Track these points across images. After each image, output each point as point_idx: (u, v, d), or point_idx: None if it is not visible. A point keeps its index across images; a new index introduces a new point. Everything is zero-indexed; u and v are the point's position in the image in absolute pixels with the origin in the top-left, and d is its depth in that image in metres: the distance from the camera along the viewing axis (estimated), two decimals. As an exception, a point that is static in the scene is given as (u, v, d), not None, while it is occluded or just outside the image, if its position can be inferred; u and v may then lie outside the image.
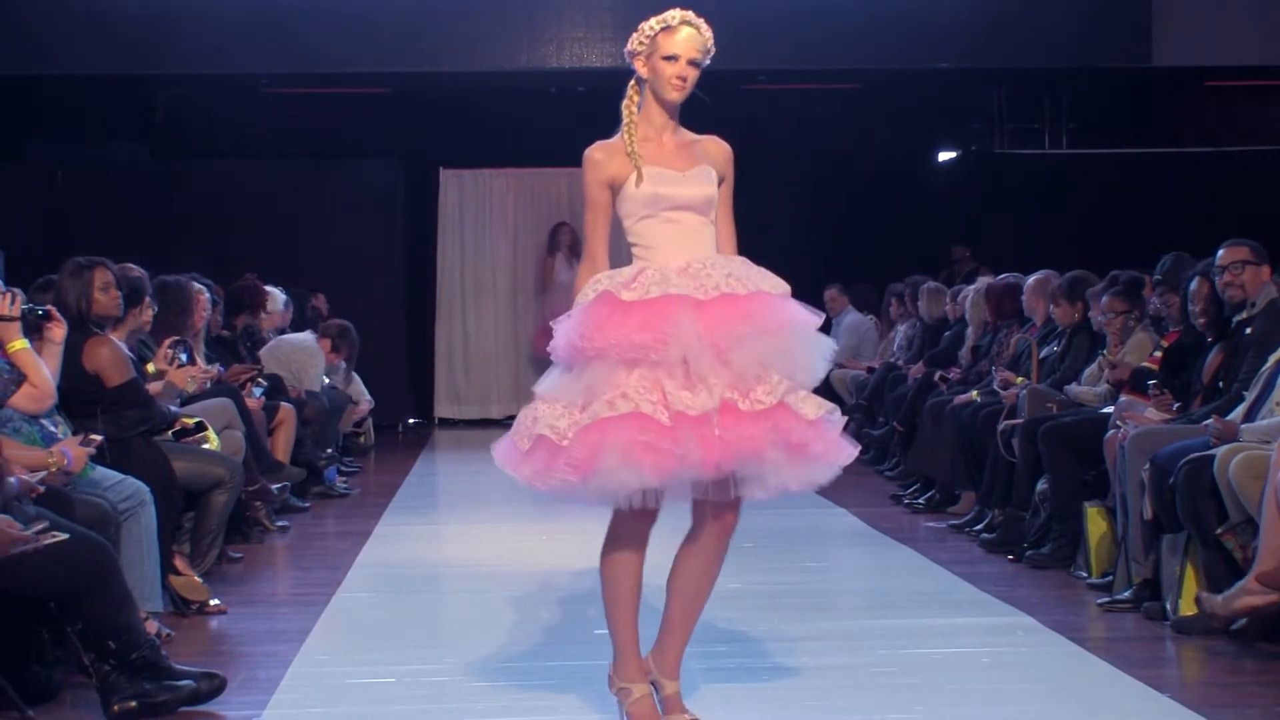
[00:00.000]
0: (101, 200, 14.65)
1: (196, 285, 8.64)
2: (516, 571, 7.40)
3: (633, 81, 4.59)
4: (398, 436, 14.62)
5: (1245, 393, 6.37)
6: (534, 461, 4.33)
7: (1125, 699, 5.07)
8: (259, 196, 14.90)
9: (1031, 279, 9.25)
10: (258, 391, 8.98)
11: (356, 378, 12.18)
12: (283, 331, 11.28)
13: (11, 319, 5.66)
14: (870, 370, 12.33)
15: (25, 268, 10.03)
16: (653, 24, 4.52)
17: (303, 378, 10.63)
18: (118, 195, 14.78)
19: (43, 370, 5.71)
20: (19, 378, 5.62)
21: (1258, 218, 12.32)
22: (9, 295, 5.69)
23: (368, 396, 12.39)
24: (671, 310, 4.30)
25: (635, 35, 4.55)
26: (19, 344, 5.67)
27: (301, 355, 10.81)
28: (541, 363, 4.33)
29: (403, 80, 14.46)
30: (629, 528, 4.45)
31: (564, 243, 14.83)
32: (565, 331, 4.39)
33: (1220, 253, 6.75)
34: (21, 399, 5.64)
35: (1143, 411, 6.98)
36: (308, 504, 9.63)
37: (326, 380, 11.36)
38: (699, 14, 4.58)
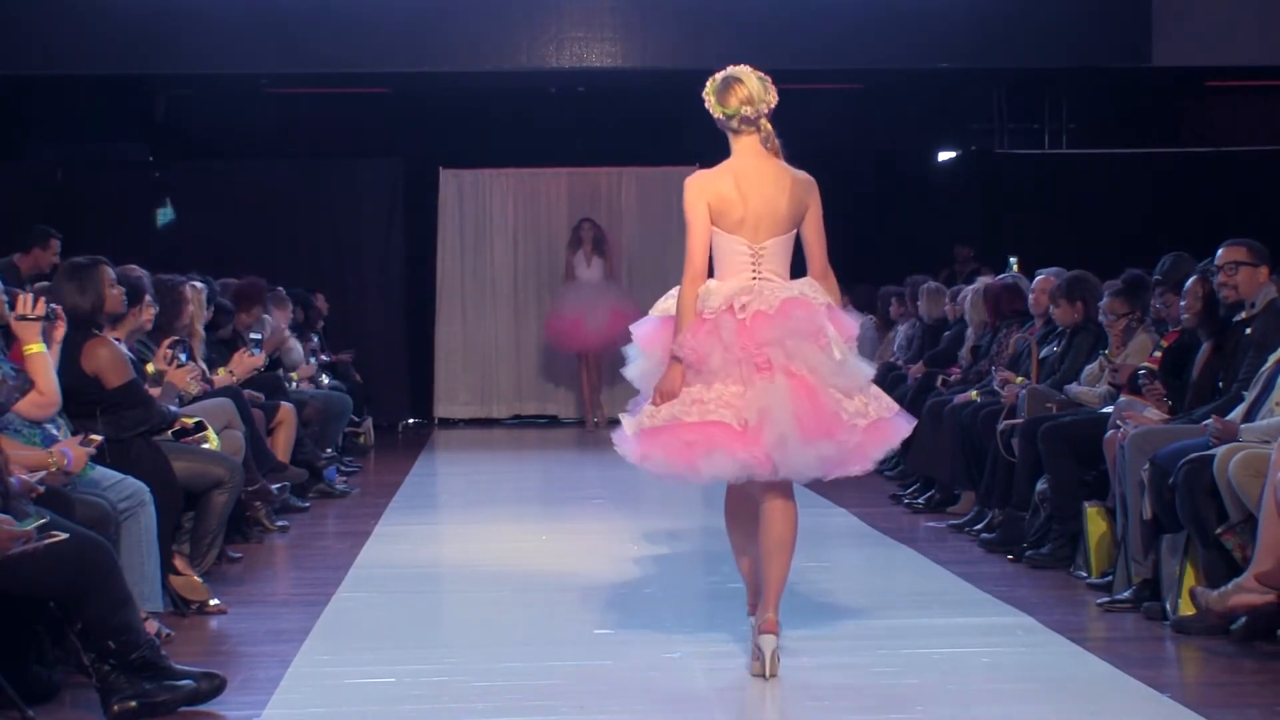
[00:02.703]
0: (101, 200, 14.64)
1: (198, 284, 8.63)
2: (516, 571, 7.40)
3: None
4: (398, 436, 14.62)
5: (1245, 393, 6.37)
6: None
7: (1125, 699, 5.07)
8: (259, 196, 14.88)
9: (1039, 277, 9.20)
10: (256, 349, 8.99)
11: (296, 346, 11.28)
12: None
13: (36, 319, 5.62)
14: (870, 370, 12.30)
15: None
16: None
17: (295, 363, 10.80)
18: (118, 195, 14.77)
19: (53, 379, 5.63)
20: (24, 384, 5.55)
21: (1258, 218, 12.31)
22: (30, 296, 5.65)
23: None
24: None
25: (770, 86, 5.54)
26: (36, 347, 5.61)
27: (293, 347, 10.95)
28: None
29: (403, 80, 14.45)
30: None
31: (586, 239, 14.72)
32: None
33: (1219, 252, 6.75)
34: (26, 405, 5.57)
35: (1143, 411, 6.98)
36: (308, 504, 9.63)
37: (326, 380, 11.37)
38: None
